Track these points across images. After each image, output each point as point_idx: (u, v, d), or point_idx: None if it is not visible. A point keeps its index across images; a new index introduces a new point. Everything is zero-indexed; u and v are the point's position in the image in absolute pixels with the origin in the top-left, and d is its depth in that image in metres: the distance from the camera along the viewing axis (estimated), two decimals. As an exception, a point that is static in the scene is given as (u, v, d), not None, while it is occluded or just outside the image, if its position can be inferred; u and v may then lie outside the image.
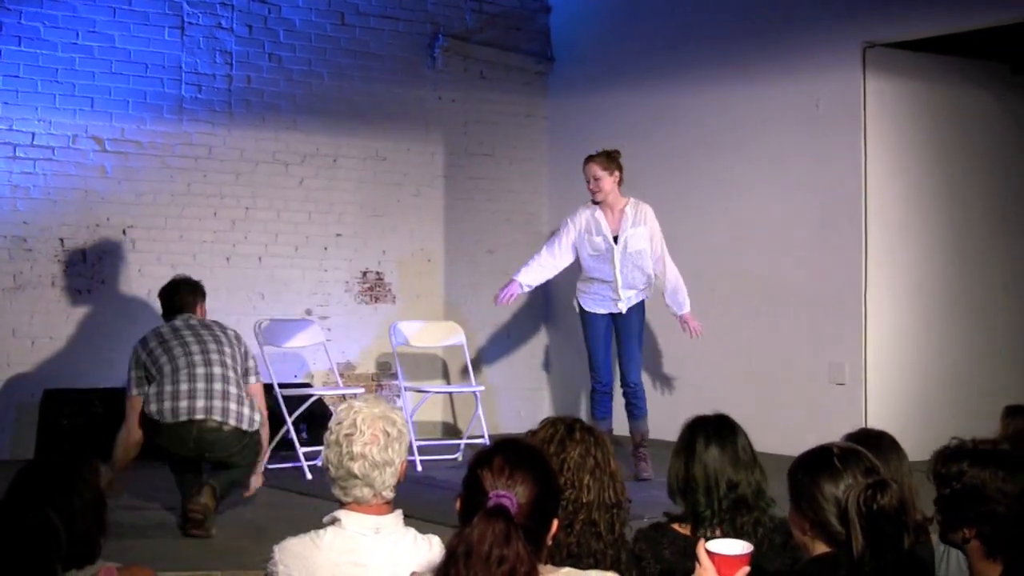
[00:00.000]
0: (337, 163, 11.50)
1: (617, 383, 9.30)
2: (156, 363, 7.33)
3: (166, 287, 7.85)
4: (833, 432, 4.52)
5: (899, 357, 10.11)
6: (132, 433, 7.30)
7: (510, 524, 2.87)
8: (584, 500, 3.74)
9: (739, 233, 10.84)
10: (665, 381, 11.25)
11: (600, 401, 9.24)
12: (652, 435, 9.40)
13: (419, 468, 9.47)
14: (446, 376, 11.92)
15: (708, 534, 4.13)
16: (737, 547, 3.44)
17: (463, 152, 12.19)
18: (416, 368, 11.43)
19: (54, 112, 10.17)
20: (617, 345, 9.27)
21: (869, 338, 9.97)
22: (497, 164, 12.36)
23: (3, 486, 3.95)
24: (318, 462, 8.48)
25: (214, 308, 10.57)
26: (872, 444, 4.35)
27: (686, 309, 9.28)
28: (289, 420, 9.43)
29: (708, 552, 3.39)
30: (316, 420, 9.88)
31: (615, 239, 9.12)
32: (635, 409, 9.15)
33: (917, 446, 4.88)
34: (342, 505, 3.89)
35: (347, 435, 3.85)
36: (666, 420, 10.44)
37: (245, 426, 7.32)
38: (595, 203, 9.20)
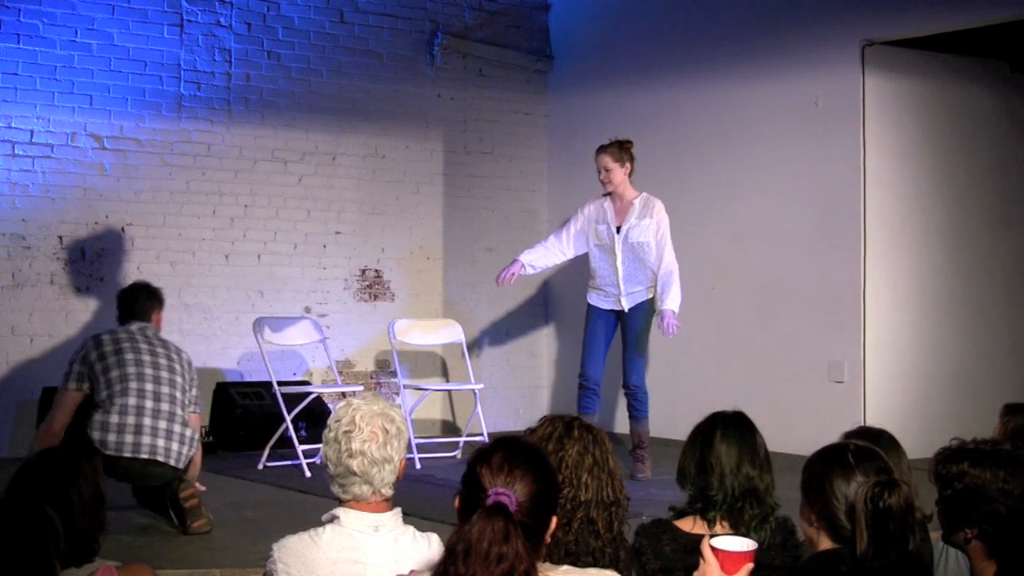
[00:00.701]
0: (336, 161, 11.50)
1: (613, 383, 9.24)
2: (106, 372, 7.11)
3: (127, 290, 7.65)
4: (832, 430, 4.53)
5: (898, 355, 10.11)
6: (54, 432, 7.10)
7: (509, 522, 2.87)
8: (582, 498, 3.74)
9: (738, 231, 10.84)
10: (664, 380, 11.22)
11: (582, 397, 9.16)
12: (653, 434, 9.40)
13: (418, 466, 9.47)
14: (445, 374, 11.92)
15: (714, 521, 4.14)
16: (742, 544, 3.44)
17: (462, 150, 12.19)
18: (415, 366, 11.44)
19: (53, 110, 10.16)
20: (623, 347, 9.23)
21: (868, 336, 9.97)
22: (496, 162, 12.36)
23: (2, 483, 3.95)
24: (317, 460, 8.52)
25: (213, 306, 10.62)
26: (871, 442, 4.36)
27: (667, 305, 8.99)
28: (288, 418, 9.42)
29: (713, 548, 3.40)
30: (315, 418, 9.87)
31: (618, 229, 9.09)
32: (635, 411, 9.11)
33: (916, 444, 4.89)
34: (341, 503, 3.89)
35: (346, 432, 3.84)
36: (665, 419, 10.48)
37: (181, 465, 7.11)
38: (607, 194, 9.18)
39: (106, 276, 10.37)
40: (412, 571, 3.38)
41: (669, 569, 4.07)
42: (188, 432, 7.13)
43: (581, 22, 12.46)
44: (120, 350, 7.16)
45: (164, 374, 7.16)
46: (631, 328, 9.14)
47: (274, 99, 11.19)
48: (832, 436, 4.28)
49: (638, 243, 9.06)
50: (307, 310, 11.22)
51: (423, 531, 3.97)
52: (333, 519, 3.86)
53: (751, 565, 3.41)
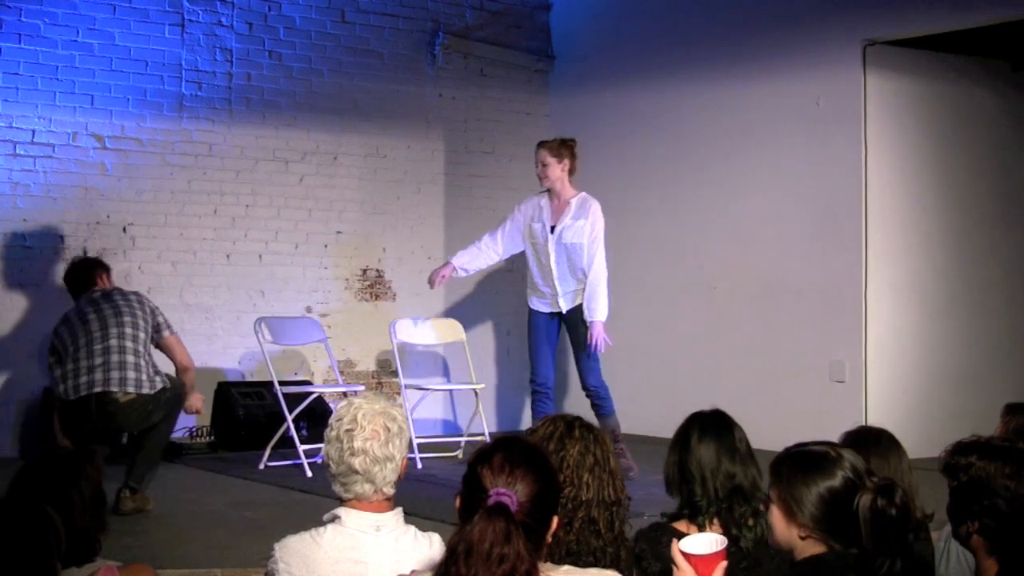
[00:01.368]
0: (337, 160, 11.50)
1: (569, 385, 9.18)
2: (63, 345, 7.59)
3: (68, 270, 8.19)
4: (833, 430, 4.52)
5: (899, 355, 10.12)
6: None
7: (510, 522, 2.87)
8: (583, 498, 3.74)
9: (740, 230, 10.84)
10: (665, 379, 11.24)
11: (537, 401, 9.14)
12: (653, 433, 9.40)
13: (419, 466, 9.47)
14: (446, 374, 11.92)
15: (706, 526, 4.14)
16: (711, 543, 3.41)
17: (463, 150, 12.20)
18: (416, 366, 11.44)
19: (54, 109, 10.17)
20: (572, 351, 9.17)
21: (869, 336, 9.97)
22: (497, 161, 12.36)
23: (5, 483, 3.95)
24: (318, 459, 8.53)
25: (215, 305, 10.62)
26: (872, 442, 4.37)
27: (595, 316, 8.91)
28: (289, 418, 9.43)
29: (684, 553, 3.37)
30: (316, 418, 9.88)
31: (552, 229, 9.05)
32: (600, 410, 8.99)
33: (917, 444, 4.89)
34: (342, 502, 3.89)
35: (348, 431, 3.85)
36: (667, 418, 10.44)
37: (146, 390, 7.48)
38: (545, 191, 9.15)
39: (107, 276, 10.37)
40: (413, 571, 3.38)
41: (670, 571, 4.07)
42: (144, 359, 7.51)
43: (582, 22, 12.46)
44: (70, 324, 7.64)
45: (111, 321, 7.56)
46: (576, 332, 9.06)
47: (275, 99, 11.19)
48: (833, 436, 4.28)
49: (571, 244, 8.99)
50: (308, 310, 11.22)
51: (424, 531, 3.97)
52: (334, 519, 3.86)
53: (725, 563, 3.39)
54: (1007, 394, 7.39)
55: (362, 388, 10.51)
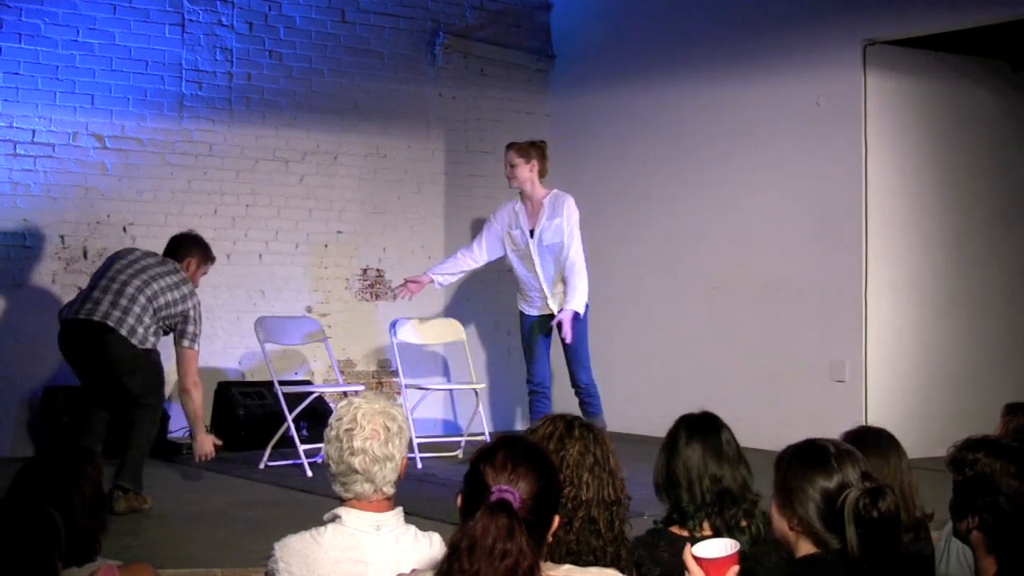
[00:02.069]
0: (337, 160, 11.50)
1: (560, 384, 9.16)
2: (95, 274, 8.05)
3: (173, 236, 8.50)
4: (833, 429, 4.52)
5: (899, 355, 10.12)
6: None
7: (513, 518, 2.87)
8: (583, 497, 3.73)
9: (740, 230, 10.84)
10: (665, 379, 11.24)
11: (534, 402, 9.14)
12: (654, 433, 9.35)
13: (419, 466, 9.48)
14: (446, 374, 11.92)
15: (697, 530, 4.15)
16: (724, 547, 3.41)
17: (464, 149, 12.20)
18: (416, 365, 11.43)
19: (54, 109, 10.17)
20: (563, 348, 9.13)
21: (869, 335, 9.98)
22: (498, 161, 12.25)
23: (4, 483, 3.95)
24: (319, 459, 8.53)
25: (215, 305, 10.62)
26: (871, 441, 4.36)
27: (570, 306, 8.86)
28: (289, 417, 9.43)
29: (696, 558, 3.38)
30: (316, 417, 9.89)
31: (532, 233, 9.05)
32: (588, 408, 8.97)
33: (917, 444, 4.90)
34: (343, 502, 3.89)
35: (347, 430, 3.85)
36: (666, 418, 10.45)
37: (136, 341, 7.65)
38: (521, 197, 9.14)
39: (108, 276, 10.37)
40: (414, 570, 3.38)
41: (669, 574, 4.08)
42: (145, 321, 7.67)
43: (582, 22, 12.47)
44: (124, 259, 7.96)
45: (142, 275, 7.80)
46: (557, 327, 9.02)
47: (275, 98, 11.20)
48: (833, 435, 4.28)
49: (552, 244, 8.98)
50: (308, 309, 11.23)
51: (424, 531, 3.97)
52: (335, 518, 3.86)
53: (737, 568, 3.39)
54: (1007, 394, 7.40)
55: (362, 388, 10.51)
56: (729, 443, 4.27)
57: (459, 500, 3.12)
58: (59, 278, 10.19)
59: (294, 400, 9.66)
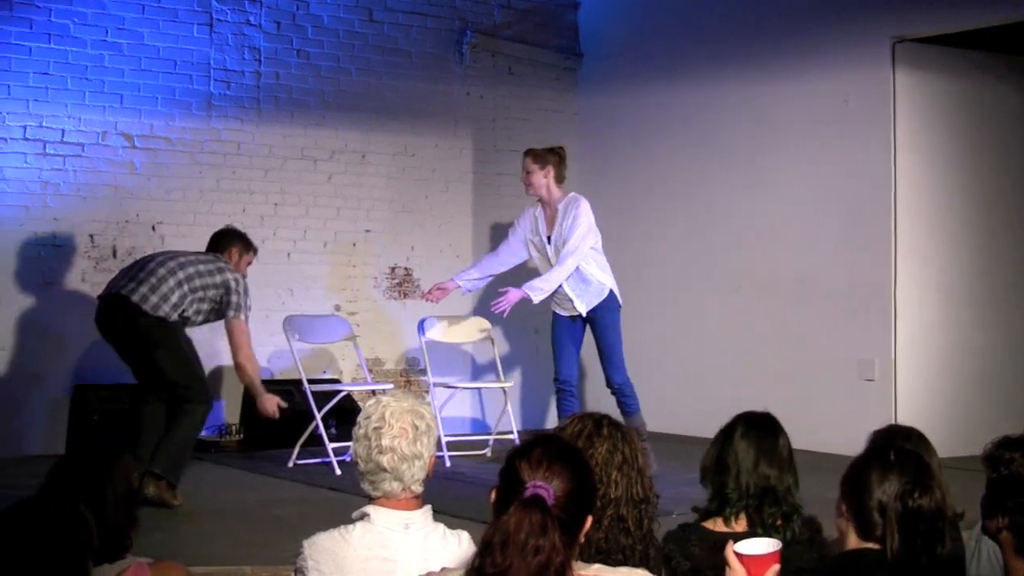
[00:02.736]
0: (366, 159, 11.52)
1: (595, 384, 9.14)
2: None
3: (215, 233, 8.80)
4: (862, 429, 4.51)
5: (929, 353, 10.08)
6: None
7: (546, 514, 2.87)
8: (612, 496, 3.73)
9: (768, 229, 10.81)
10: (692, 378, 11.23)
11: (561, 400, 9.12)
12: (682, 432, 9.39)
13: (448, 464, 9.48)
14: (474, 372, 11.92)
15: (733, 521, 4.15)
16: (766, 546, 3.42)
17: (491, 148, 12.20)
18: (445, 364, 11.43)
19: (84, 109, 10.21)
20: (596, 349, 9.15)
21: (899, 334, 9.94)
22: (526, 160, 12.35)
23: (36, 480, 3.97)
24: (347, 457, 8.55)
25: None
26: (902, 440, 4.35)
27: (525, 285, 9.03)
28: (318, 416, 9.45)
29: (737, 554, 3.38)
30: (345, 416, 9.90)
31: (549, 239, 9.06)
32: (624, 407, 8.94)
33: (947, 443, 4.88)
34: (371, 500, 3.90)
35: (376, 429, 3.85)
36: (695, 416, 10.46)
37: (159, 313, 7.85)
38: (541, 202, 9.15)
39: (137, 274, 10.41)
40: (443, 568, 3.38)
41: (699, 569, 4.08)
42: (171, 298, 7.88)
43: (610, 20, 12.45)
44: (157, 253, 8.43)
45: (179, 260, 8.09)
46: (598, 330, 9.05)
47: (304, 98, 11.22)
48: (862, 435, 4.28)
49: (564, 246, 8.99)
50: (337, 308, 11.24)
51: (453, 529, 3.97)
52: (363, 517, 3.87)
53: (777, 567, 3.39)
54: (1038, 392, 7.38)
55: (390, 386, 10.51)
56: (784, 447, 4.28)
57: (493, 496, 3.12)
58: (88, 277, 10.23)
59: (323, 399, 9.69)
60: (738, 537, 3.58)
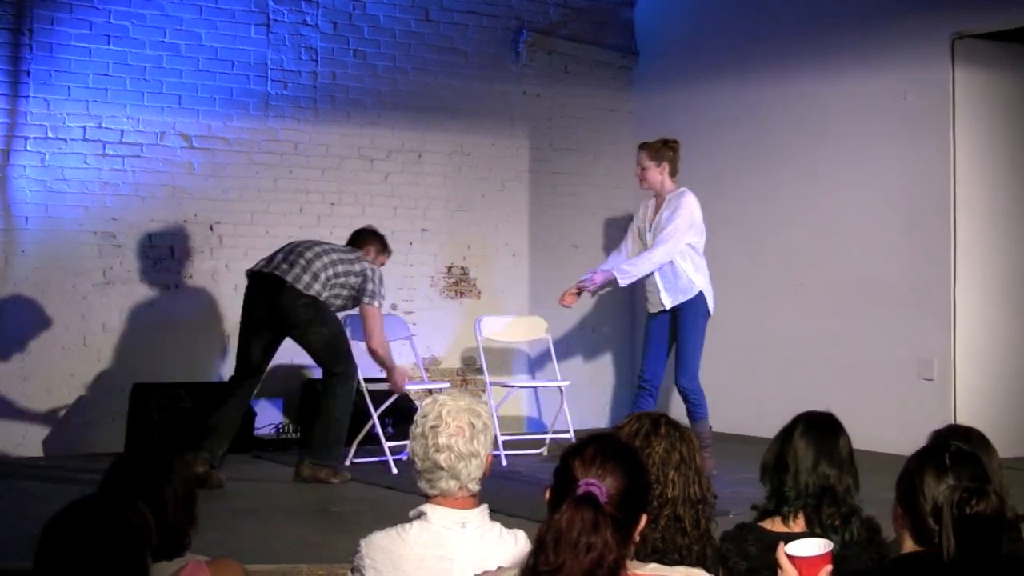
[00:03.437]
0: (422, 158, 11.54)
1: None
2: None
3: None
4: (921, 429, 4.48)
5: (989, 352, 9.99)
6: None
7: (599, 512, 2.87)
8: (669, 495, 3.72)
9: (827, 227, 10.75)
10: (751, 376, 11.18)
11: (637, 396, 9.03)
12: (737, 431, 9.34)
13: (504, 463, 9.48)
14: (531, 371, 11.92)
15: (791, 520, 4.13)
16: (817, 547, 3.40)
17: (548, 147, 12.19)
18: (501, 363, 11.45)
19: (142, 109, 10.28)
20: (675, 347, 9.05)
21: (958, 333, 9.86)
22: (581, 159, 12.35)
23: (95, 477, 4.00)
24: (403, 456, 8.57)
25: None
26: (962, 441, 4.31)
27: (619, 268, 8.99)
28: (375, 414, 9.48)
29: (789, 556, 3.37)
30: (401, 414, 9.91)
31: (650, 227, 9.01)
32: (689, 413, 8.83)
33: (1008, 443, 4.84)
34: (428, 499, 3.90)
35: (432, 427, 3.86)
36: (753, 416, 10.44)
37: (311, 292, 8.53)
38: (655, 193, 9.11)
39: (194, 274, 10.48)
40: (499, 567, 3.38)
41: (756, 569, 4.06)
42: (318, 280, 8.58)
43: (666, 18, 12.42)
44: (300, 240, 9.03)
45: (321, 249, 8.76)
46: (678, 328, 8.94)
47: (360, 97, 11.25)
48: (921, 435, 4.24)
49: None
50: (393, 307, 11.26)
51: (509, 528, 3.97)
52: (420, 515, 3.87)
53: (830, 567, 3.38)
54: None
55: (447, 385, 10.53)
56: (844, 447, 4.25)
57: (547, 494, 3.13)
58: (147, 276, 10.30)
59: (379, 398, 9.71)
60: (795, 537, 3.56)
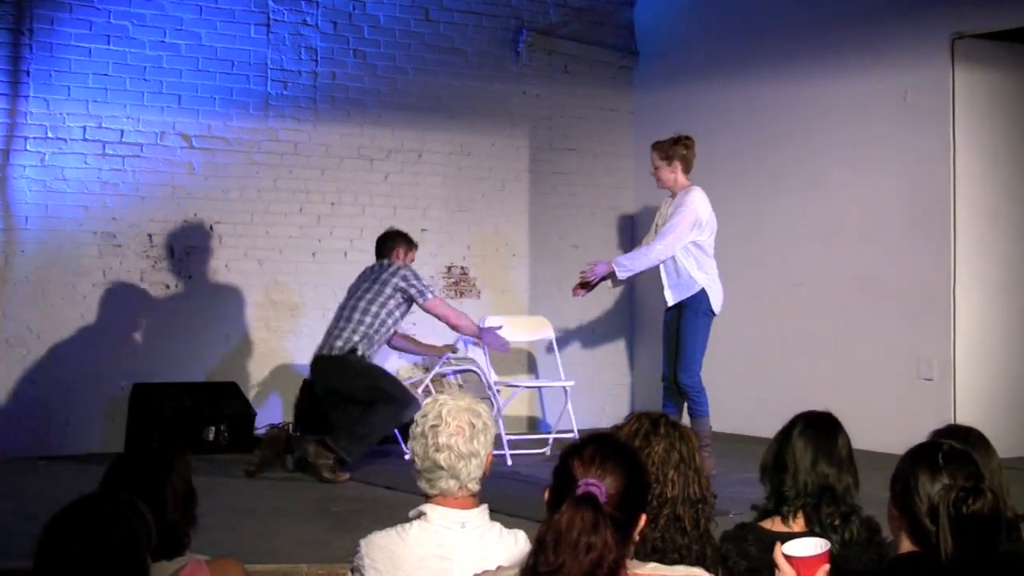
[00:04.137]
0: (422, 158, 11.54)
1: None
2: None
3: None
4: (921, 428, 4.47)
5: (989, 352, 9.99)
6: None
7: (598, 512, 2.87)
8: (669, 495, 3.73)
9: (826, 226, 10.76)
10: (751, 376, 11.18)
11: (663, 394, 9.09)
12: (739, 431, 9.32)
13: (509, 462, 9.47)
14: (533, 371, 11.92)
15: (791, 519, 4.13)
16: (814, 546, 3.40)
17: (547, 147, 12.19)
18: (503, 363, 11.43)
19: (142, 109, 10.28)
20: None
21: (958, 332, 9.86)
22: (581, 158, 12.35)
23: (95, 478, 4.00)
24: (404, 456, 8.56)
25: (300, 303, 10.70)
26: (960, 440, 4.30)
27: (615, 260, 9.14)
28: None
29: (786, 556, 3.37)
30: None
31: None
32: (689, 410, 8.87)
33: (1007, 443, 4.83)
34: (428, 499, 3.90)
35: (433, 427, 3.86)
36: (752, 416, 10.43)
37: (335, 353, 8.94)
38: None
39: (194, 274, 10.48)
40: (499, 567, 3.38)
41: (756, 569, 4.06)
42: (356, 325, 9.01)
43: (666, 18, 12.42)
44: (350, 288, 9.38)
45: (357, 292, 9.15)
46: (679, 326, 8.93)
47: (360, 97, 11.25)
48: (921, 434, 4.24)
49: None
50: (393, 307, 11.26)
51: (509, 528, 3.97)
52: (420, 515, 3.88)
53: (827, 567, 3.37)
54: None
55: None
56: (843, 446, 4.25)
57: (547, 494, 3.13)
58: (147, 276, 10.30)
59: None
60: (795, 537, 3.57)
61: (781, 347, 11.03)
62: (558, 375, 10.71)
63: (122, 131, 10.21)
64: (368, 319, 9.03)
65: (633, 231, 12.24)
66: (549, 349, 10.99)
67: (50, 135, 9.95)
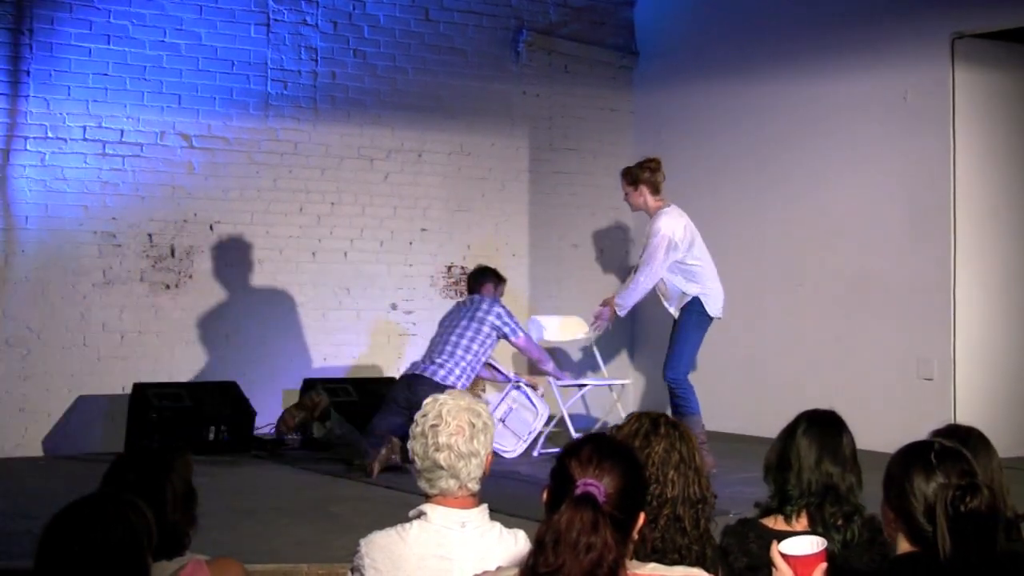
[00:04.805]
0: (422, 158, 11.54)
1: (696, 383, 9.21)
2: None
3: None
4: (921, 428, 4.47)
5: (989, 352, 9.99)
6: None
7: (598, 512, 2.87)
8: (669, 495, 3.72)
9: (827, 226, 10.75)
10: (752, 375, 11.18)
11: (669, 395, 9.21)
12: (740, 430, 9.31)
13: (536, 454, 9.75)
14: (569, 368, 11.87)
15: (794, 518, 4.13)
16: (811, 545, 3.40)
17: (547, 147, 12.19)
18: (504, 362, 11.41)
19: (142, 109, 10.28)
20: None
21: (958, 333, 9.86)
22: (581, 158, 12.35)
23: (96, 477, 4.00)
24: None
25: (301, 303, 10.70)
26: (961, 440, 4.29)
27: (615, 295, 9.49)
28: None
29: (783, 555, 3.36)
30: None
31: None
32: (677, 408, 8.98)
33: (1007, 443, 4.82)
34: (428, 499, 3.90)
35: (432, 426, 3.86)
36: (752, 416, 10.44)
37: (438, 379, 9.08)
38: None
39: (195, 273, 10.48)
40: (499, 567, 3.38)
41: (756, 566, 4.06)
42: (456, 361, 9.33)
43: (666, 17, 12.42)
44: (445, 319, 9.70)
45: (455, 327, 9.44)
46: (677, 324, 9.21)
47: (360, 97, 11.25)
48: (921, 434, 4.24)
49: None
50: (393, 306, 11.27)
51: (509, 528, 3.97)
52: (420, 515, 3.88)
53: (824, 565, 3.37)
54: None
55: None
56: (847, 446, 4.26)
57: (545, 495, 3.13)
58: (147, 275, 10.30)
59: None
60: (796, 536, 3.56)
61: (781, 347, 11.02)
62: (602, 374, 10.94)
63: (122, 131, 10.21)
64: (469, 356, 9.35)
65: (633, 231, 12.23)
66: (589, 348, 11.03)
67: (50, 135, 9.96)
